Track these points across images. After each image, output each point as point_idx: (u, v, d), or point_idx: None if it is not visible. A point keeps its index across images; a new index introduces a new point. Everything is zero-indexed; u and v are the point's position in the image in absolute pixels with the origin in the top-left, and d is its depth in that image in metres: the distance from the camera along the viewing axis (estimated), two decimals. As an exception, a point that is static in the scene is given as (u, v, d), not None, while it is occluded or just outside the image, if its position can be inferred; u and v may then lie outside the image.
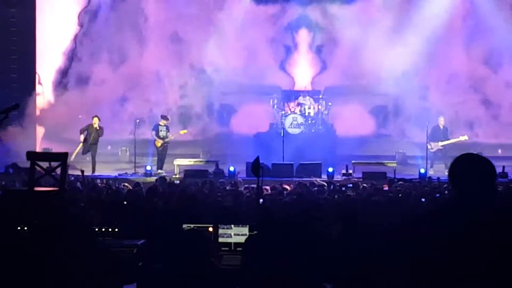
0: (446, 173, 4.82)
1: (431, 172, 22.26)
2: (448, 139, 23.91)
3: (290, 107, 26.69)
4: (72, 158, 23.21)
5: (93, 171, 23.30)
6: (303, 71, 29.35)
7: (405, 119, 28.55)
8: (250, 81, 28.50)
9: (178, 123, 28.03)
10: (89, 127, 23.83)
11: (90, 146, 23.73)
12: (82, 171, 18.02)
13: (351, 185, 18.62)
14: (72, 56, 29.21)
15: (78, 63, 29.23)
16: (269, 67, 28.90)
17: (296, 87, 28.76)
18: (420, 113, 27.24)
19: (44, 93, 29.29)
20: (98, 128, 23.76)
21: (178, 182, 19.32)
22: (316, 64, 29.40)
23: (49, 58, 29.06)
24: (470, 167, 4.52)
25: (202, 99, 29.62)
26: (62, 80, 29.25)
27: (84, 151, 23.78)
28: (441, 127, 24.15)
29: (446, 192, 15.95)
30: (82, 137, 23.70)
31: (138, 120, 25.62)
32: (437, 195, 14.54)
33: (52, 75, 29.28)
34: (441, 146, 23.66)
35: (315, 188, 16.58)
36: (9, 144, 24.58)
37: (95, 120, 23.79)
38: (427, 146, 23.56)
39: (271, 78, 28.52)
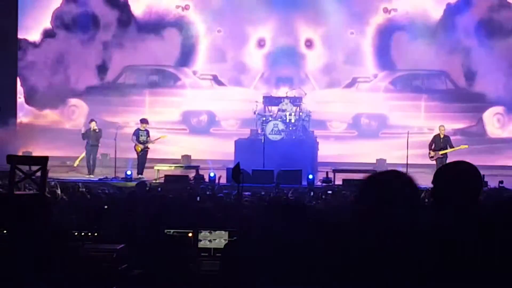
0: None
1: None
2: (451, 148, 23.55)
3: (272, 112, 26.60)
4: (76, 163, 23.69)
5: (92, 172, 24.25)
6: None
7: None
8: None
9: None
10: (87, 131, 24.62)
11: (90, 147, 24.48)
12: None
13: (330, 191, 18.67)
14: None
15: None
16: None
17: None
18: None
19: (24, 96, 29.29)
20: (97, 130, 24.57)
21: (158, 187, 19.31)
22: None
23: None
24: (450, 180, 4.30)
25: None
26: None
27: (87, 154, 24.62)
28: (442, 135, 23.78)
29: (426, 200, 16.00)
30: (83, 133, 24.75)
31: (118, 125, 25.68)
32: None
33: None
34: (441, 154, 23.37)
35: (292, 197, 16.59)
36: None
37: (93, 124, 24.59)
38: (429, 154, 23.59)
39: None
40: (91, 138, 24.49)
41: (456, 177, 4.31)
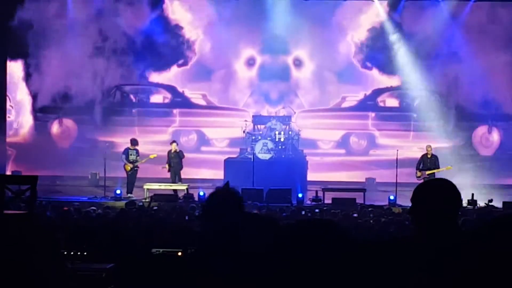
0: None
1: None
2: (437, 168, 23.37)
3: (261, 131, 26.62)
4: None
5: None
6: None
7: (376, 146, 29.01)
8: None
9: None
10: (169, 153, 24.69)
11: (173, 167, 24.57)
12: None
13: (317, 210, 18.68)
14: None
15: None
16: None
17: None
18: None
19: (14, 115, 29.19)
20: (178, 151, 24.68)
21: (147, 206, 19.27)
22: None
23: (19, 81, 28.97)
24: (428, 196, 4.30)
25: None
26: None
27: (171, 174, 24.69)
28: (429, 155, 23.63)
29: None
30: (167, 166, 24.64)
31: (107, 144, 25.63)
32: (407, 222, 14.59)
33: (24, 98, 29.16)
34: (428, 174, 23.19)
35: (284, 214, 16.61)
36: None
37: (174, 145, 24.66)
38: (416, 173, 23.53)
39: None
40: (173, 159, 24.50)
41: (433, 195, 4.29)
